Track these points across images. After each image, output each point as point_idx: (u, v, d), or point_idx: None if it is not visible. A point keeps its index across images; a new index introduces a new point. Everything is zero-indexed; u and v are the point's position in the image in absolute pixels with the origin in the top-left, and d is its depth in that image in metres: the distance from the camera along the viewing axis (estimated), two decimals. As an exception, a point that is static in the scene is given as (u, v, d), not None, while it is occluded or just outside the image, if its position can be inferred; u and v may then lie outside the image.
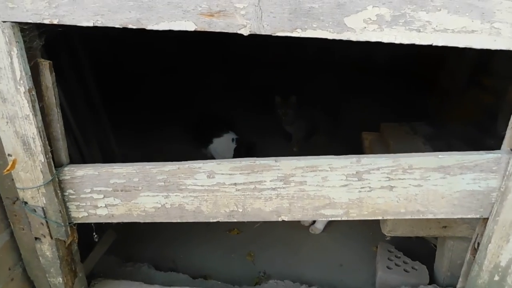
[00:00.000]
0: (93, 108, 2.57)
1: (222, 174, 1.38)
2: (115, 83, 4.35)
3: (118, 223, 1.55)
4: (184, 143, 3.63)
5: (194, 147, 3.55)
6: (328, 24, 1.11)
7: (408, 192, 1.35)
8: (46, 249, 1.54)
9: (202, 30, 1.15)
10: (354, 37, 1.12)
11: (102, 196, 1.46)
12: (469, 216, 1.37)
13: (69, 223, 1.52)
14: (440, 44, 1.11)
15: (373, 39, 1.12)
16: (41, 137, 1.34)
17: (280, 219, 1.44)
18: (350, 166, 1.32)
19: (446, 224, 1.87)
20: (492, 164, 1.28)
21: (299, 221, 2.55)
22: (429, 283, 2.04)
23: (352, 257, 2.37)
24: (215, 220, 1.47)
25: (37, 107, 1.31)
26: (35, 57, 1.29)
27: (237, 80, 4.61)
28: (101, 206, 1.48)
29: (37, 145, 1.34)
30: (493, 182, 1.31)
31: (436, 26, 1.09)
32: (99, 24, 1.18)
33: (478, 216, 1.38)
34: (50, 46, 2.20)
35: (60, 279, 1.60)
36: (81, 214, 1.50)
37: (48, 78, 1.33)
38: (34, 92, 1.29)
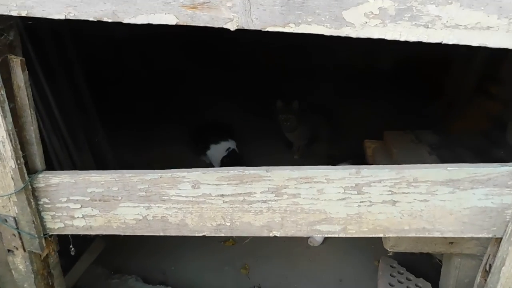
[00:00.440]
0: (85, 111, 2.45)
1: (208, 184, 1.24)
2: (115, 85, 4.24)
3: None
4: (184, 148, 3.49)
5: (194, 153, 3.42)
6: (324, 18, 0.97)
7: (413, 208, 1.20)
8: (19, 263, 1.40)
9: (184, 24, 1.02)
10: (353, 33, 0.98)
11: (79, 206, 1.32)
12: (480, 236, 1.22)
13: (44, 235, 1.38)
14: (450, 42, 0.97)
15: (375, 35, 0.98)
16: (11, 141, 1.20)
17: (271, 235, 1.30)
18: (349, 178, 1.18)
19: (453, 240, 1.71)
20: (508, 178, 1.13)
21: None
22: (434, 303, 1.88)
23: (352, 271, 2.21)
24: (200, 234, 1.33)
25: (6, 108, 1.18)
26: (4, 53, 1.16)
27: (238, 84, 4.48)
28: (78, 217, 1.34)
29: (7, 149, 1.20)
30: (508, 198, 1.15)
31: (447, 21, 0.95)
32: (71, 16, 1.05)
33: (490, 235, 1.22)
34: (39, 44, 2.11)
35: (35, 294, 1.46)
36: (57, 225, 1.36)
37: (20, 76, 1.20)
38: (3, 92, 1.16)
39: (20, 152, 1.24)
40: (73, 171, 1.30)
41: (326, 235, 1.28)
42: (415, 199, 1.18)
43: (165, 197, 1.27)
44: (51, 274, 1.52)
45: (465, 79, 3.20)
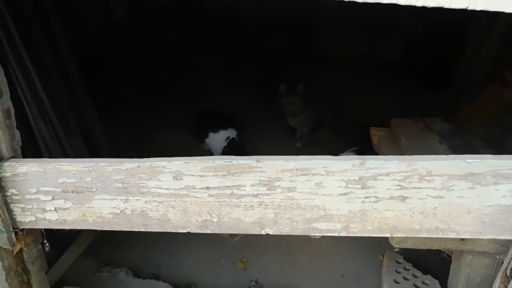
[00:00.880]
0: (76, 95, 2.28)
1: (192, 175, 1.07)
2: (116, 70, 4.10)
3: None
4: (185, 134, 3.33)
5: (194, 140, 3.25)
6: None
7: (425, 205, 1.02)
8: (-12, 259, 1.25)
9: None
10: (360, -3, 0.80)
11: (50, 197, 1.16)
12: (502, 237, 1.04)
13: (15, 229, 1.23)
14: (478, 8, 0.78)
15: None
16: (-30, 125, 1.04)
17: (263, 232, 1.13)
18: (352, 170, 1.00)
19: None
20: (537, 172, 0.95)
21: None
22: (442, 302, 1.71)
23: (355, 266, 2.05)
24: (185, 231, 1.16)
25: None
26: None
27: (240, 69, 4.29)
28: (50, 210, 1.18)
29: (-34, 134, 1.05)
30: (537, 196, 0.97)
31: (474, -18, 0.76)
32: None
33: (514, 237, 1.04)
34: (23, 21, 1.93)
35: (8, 292, 1.31)
36: (27, 218, 1.21)
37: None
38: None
39: (-18, 138, 1.08)
40: (42, 159, 1.14)
41: (324, 234, 1.10)
42: (428, 195, 1.00)
43: (144, 189, 1.11)
44: (26, 270, 1.36)
45: (477, 65, 2.99)
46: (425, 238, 1.57)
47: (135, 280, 1.83)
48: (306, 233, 1.11)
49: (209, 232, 1.15)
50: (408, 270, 1.89)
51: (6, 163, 1.14)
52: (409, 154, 2.04)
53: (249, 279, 1.98)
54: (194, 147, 3.16)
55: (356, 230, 1.08)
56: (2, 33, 1.80)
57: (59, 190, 1.15)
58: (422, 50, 3.87)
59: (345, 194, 1.03)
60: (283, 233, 1.13)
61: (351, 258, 2.09)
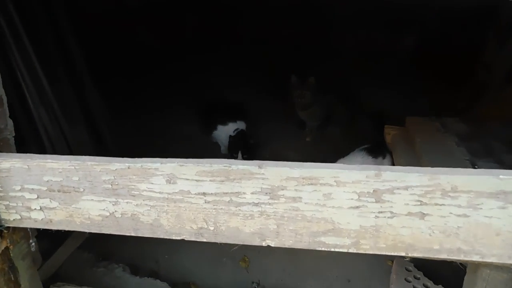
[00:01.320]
0: (81, 83, 2.17)
1: (187, 179, 0.94)
2: (125, 57, 3.99)
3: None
4: (192, 126, 3.22)
5: (202, 132, 3.13)
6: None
7: (448, 224, 0.88)
8: (-28, 257, 1.16)
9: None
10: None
11: (35, 196, 1.05)
12: (533, 262, 0.90)
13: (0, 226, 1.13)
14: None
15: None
16: None
17: (264, 244, 1.01)
18: (366, 181, 0.87)
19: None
20: None
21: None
22: (455, 316, 1.58)
23: (362, 271, 1.91)
24: (179, 238, 1.05)
25: None
26: None
27: (249, 60, 4.15)
28: (35, 209, 1.08)
29: None
30: None
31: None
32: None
33: (547, 262, 0.91)
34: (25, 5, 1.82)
35: (-5, 291, 1.22)
36: (12, 216, 1.10)
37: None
38: None
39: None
40: (26, 154, 1.03)
41: (332, 249, 0.98)
42: (451, 213, 0.87)
43: (135, 192, 0.99)
44: (14, 268, 1.27)
45: (497, 64, 2.81)
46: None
47: (132, 277, 1.72)
48: (311, 247, 0.99)
49: (205, 240, 1.03)
50: (419, 279, 1.75)
51: (-12, 158, 1.03)
52: (424, 156, 1.89)
53: (251, 279, 1.87)
54: (201, 138, 3.04)
55: (367, 246, 0.95)
56: (2, 18, 1.70)
57: (45, 188, 1.04)
58: (440, 45, 3.68)
59: (357, 207, 0.90)
60: (286, 246, 1.01)
61: (359, 263, 1.95)
